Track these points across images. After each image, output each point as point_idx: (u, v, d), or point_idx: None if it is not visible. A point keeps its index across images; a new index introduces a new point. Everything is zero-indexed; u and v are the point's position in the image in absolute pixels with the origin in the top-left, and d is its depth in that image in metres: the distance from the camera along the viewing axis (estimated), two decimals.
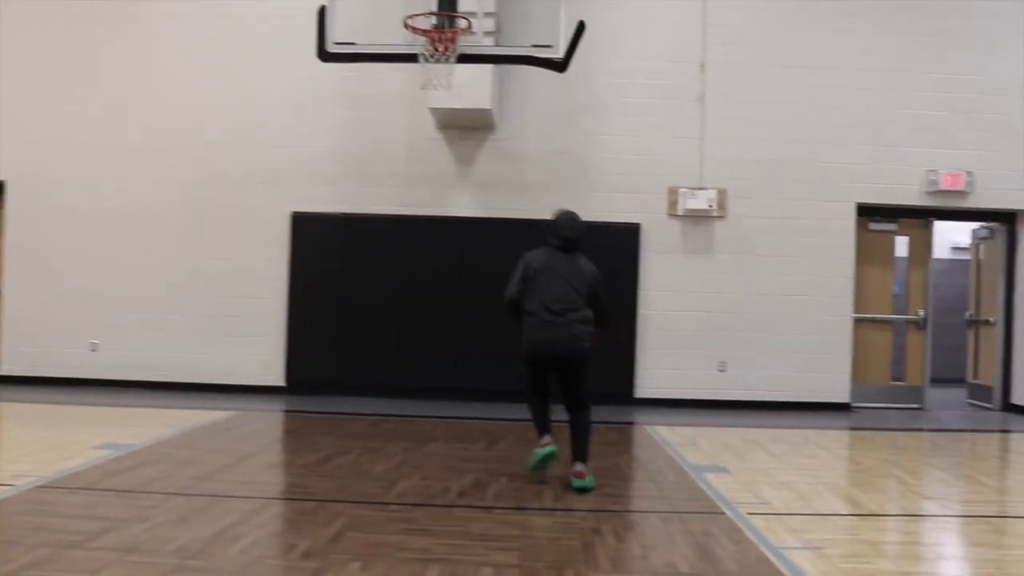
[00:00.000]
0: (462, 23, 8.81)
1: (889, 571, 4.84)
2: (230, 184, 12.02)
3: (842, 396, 11.98)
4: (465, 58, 8.93)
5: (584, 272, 6.97)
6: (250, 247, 12.01)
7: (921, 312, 12.53)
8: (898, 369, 12.66)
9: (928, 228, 12.57)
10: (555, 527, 5.54)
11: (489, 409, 10.59)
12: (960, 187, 11.99)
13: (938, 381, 12.93)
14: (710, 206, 11.89)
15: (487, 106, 11.08)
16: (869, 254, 12.35)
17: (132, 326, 11.99)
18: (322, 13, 8.92)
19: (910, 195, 12.12)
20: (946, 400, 13.15)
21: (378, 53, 9.22)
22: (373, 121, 12.04)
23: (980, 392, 13.05)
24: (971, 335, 13.50)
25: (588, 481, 6.57)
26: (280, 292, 11.98)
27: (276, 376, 11.95)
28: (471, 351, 11.62)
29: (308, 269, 11.94)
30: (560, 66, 8.97)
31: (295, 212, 11.98)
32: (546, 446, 6.96)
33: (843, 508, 6.32)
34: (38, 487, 6.10)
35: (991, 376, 12.76)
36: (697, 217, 11.99)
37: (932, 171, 11.98)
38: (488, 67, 10.78)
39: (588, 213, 11.52)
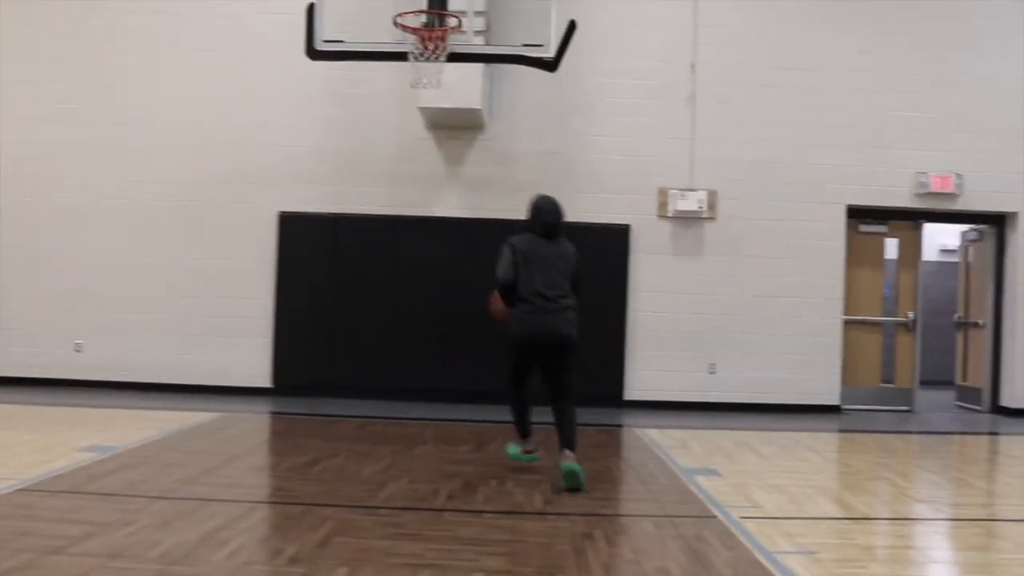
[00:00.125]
0: (452, 21, 8.74)
1: (883, 575, 4.81)
2: (217, 183, 11.92)
3: (832, 398, 11.95)
4: (455, 57, 8.86)
5: (569, 257, 7.06)
6: (237, 247, 11.91)
7: (911, 314, 12.52)
8: (887, 371, 12.64)
9: (918, 230, 12.56)
10: (546, 531, 5.46)
11: (477, 411, 10.54)
12: (950, 189, 11.98)
13: (926, 383, 12.92)
14: (700, 207, 11.85)
15: (477, 106, 11.02)
16: (859, 256, 12.33)
17: (116, 326, 11.88)
18: (311, 11, 8.84)
19: (900, 197, 12.11)
20: (935, 402, 13.14)
21: (367, 51, 9.15)
22: (362, 120, 11.96)
23: (969, 394, 13.03)
24: (960, 337, 13.48)
25: (579, 467, 6.58)
26: (267, 292, 11.89)
27: (263, 377, 11.85)
28: (460, 352, 11.54)
29: (296, 269, 11.85)
30: (551, 65, 8.91)
31: (283, 212, 11.89)
32: (530, 453, 7.37)
33: (836, 512, 6.27)
34: (20, 490, 6.00)
35: (980, 378, 12.74)
36: (687, 218, 11.94)
37: (922, 173, 11.97)
38: (478, 66, 10.73)
39: (578, 214, 11.56)
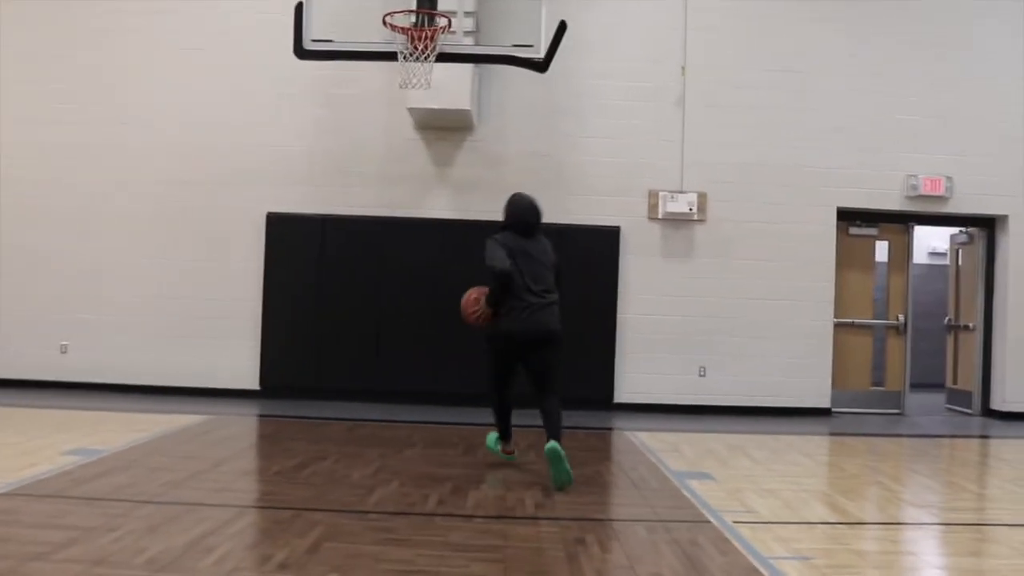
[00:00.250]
0: (442, 21, 8.68)
1: None
2: (204, 184, 11.83)
3: (823, 401, 11.92)
4: (445, 57, 8.81)
5: (549, 252, 7.20)
6: (224, 248, 11.82)
7: (901, 317, 12.49)
8: (878, 374, 12.62)
9: (908, 233, 12.54)
10: (538, 537, 5.39)
11: (467, 414, 10.46)
12: (940, 192, 11.97)
13: (916, 386, 12.89)
14: (690, 209, 11.80)
15: (466, 107, 10.96)
16: (849, 259, 12.30)
17: (102, 328, 11.77)
18: (299, 9, 8.77)
19: (891, 200, 12.09)
20: (925, 405, 13.11)
21: (356, 51, 9.08)
22: (350, 120, 11.88)
23: (959, 397, 13.02)
24: (950, 340, 13.47)
25: (565, 454, 6.62)
26: (255, 294, 11.79)
27: (250, 379, 11.76)
28: (448, 355, 11.44)
29: (283, 270, 11.76)
30: (541, 66, 8.86)
31: (270, 212, 11.80)
32: (509, 454, 7.60)
33: (830, 516, 6.21)
34: (3, 494, 5.90)
35: (970, 381, 12.73)
36: (677, 220, 11.90)
37: (912, 176, 11.95)
38: (467, 67, 10.67)
39: (567, 215, 11.63)
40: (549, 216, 11.34)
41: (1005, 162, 12.09)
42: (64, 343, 11.77)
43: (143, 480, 6.56)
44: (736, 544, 5.28)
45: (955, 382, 13.27)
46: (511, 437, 7.62)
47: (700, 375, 11.85)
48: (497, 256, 6.88)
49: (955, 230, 13.32)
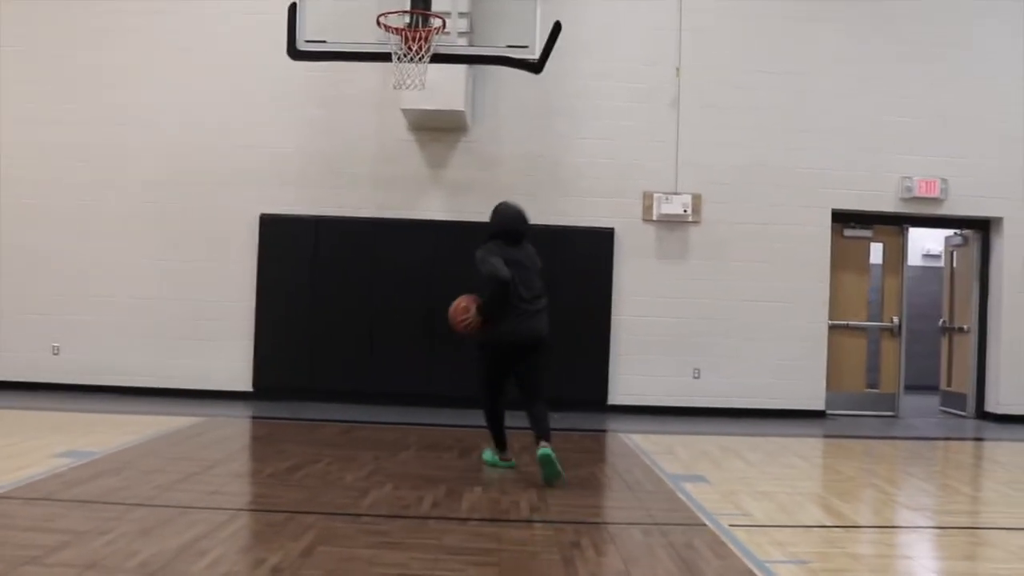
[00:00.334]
0: (436, 22, 8.63)
1: None
2: (197, 184, 11.79)
3: (817, 403, 11.92)
4: (439, 58, 8.76)
5: (536, 259, 7.33)
6: (217, 249, 11.78)
7: (895, 319, 12.49)
8: (872, 376, 12.62)
9: (903, 235, 12.54)
10: (533, 540, 5.35)
11: (461, 416, 10.40)
12: (935, 194, 11.98)
13: (910, 388, 12.90)
14: (685, 211, 11.79)
15: (460, 107, 10.93)
16: (844, 261, 12.30)
17: (94, 328, 11.72)
18: (292, 10, 8.71)
19: (885, 202, 12.09)
20: (919, 408, 13.11)
21: (350, 52, 9.02)
22: (344, 121, 11.84)
23: (953, 400, 13.02)
24: (944, 342, 13.47)
25: (556, 456, 6.81)
26: (248, 295, 11.75)
27: (243, 381, 11.72)
28: (442, 356, 11.40)
29: (276, 272, 11.72)
30: (536, 67, 8.81)
31: (264, 213, 11.76)
32: (508, 460, 7.58)
33: (826, 519, 6.18)
34: None
35: (965, 384, 12.73)
36: (672, 222, 11.88)
37: (907, 178, 11.95)
38: (461, 68, 10.64)
39: (562, 217, 11.62)
40: (543, 218, 11.49)
41: (1000, 164, 12.10)
42: (56, 344, 11.72)
43: (136, 482, 6.51)
44: (732, 548, 5.25)
45: (949, 384, 13.28)
46: (507, 444, 7.64)
47: (694, 377, 11.84)
48: (495, 265, 6.92)
49: (950, 232, 13.31)
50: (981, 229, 12.53)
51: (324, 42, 8.84)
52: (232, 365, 11.71)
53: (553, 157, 11.89)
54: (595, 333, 11.68)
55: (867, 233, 12.50)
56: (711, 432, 10.31)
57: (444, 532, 5.42)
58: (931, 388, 13.89)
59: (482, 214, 11.19)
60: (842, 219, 12.21)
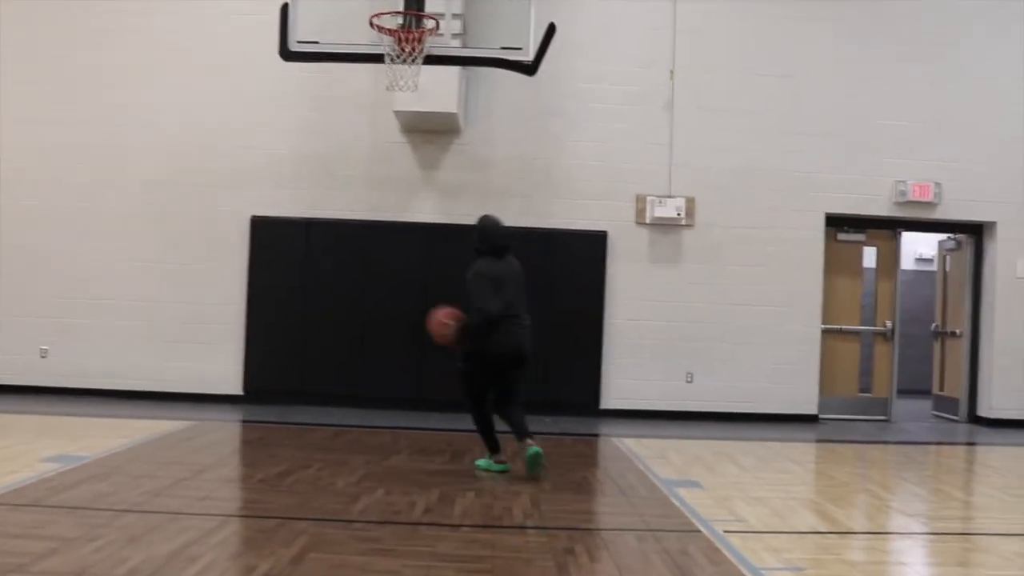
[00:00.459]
0: (429, 23, 8.59)
1: None
2: (188, 186, 11.72)
3: (810, 408, 11.88)
4: (432, 59, 8.71)
5: (521, 273, 7.57)
6: (208, 251, 11.71)
7: (888, 323, 12.47)
8: (865, 380, 12.59)
9: (896, 239, 12.53)
10: (527, 546, 5.30)
11: (452, 420, 10.32)
12: (929, 198, 11.96)
13: (902, 392, 12.87)
14: (678, 214, 11.75)
15: (453, 110, 10.88)
16: (837, 265, 12.27)
17: (83, 331, 11.64)
18: (285, 10, 8.66)
19: (879, 205, 12.07)
20: (912, 412, 13.08)
21: (342, 53, 8.97)
22: (336, 123, 11.79)
23: (946, 404, 13.00)
24: (937, 347, 13.45)
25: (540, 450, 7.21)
26: (239, 298, 11.69)
27: (234, 384, 11.65)
28: (434, 360, 11.29)
29: (268, 274, 11.66)
30: (530, 69, 8.77)
31: (255, 216, 11.69)
32: (503, 463, 7.60)
33: (821, 525, 6.16)
34: None
35: (957, 388, 12.71)
36: (665, 225, 11.85)
37: (901, 181, 11.93)
38: (454, 70, 10.59)
39: (554, 220, 11.61)
40: (536, 220, 11.51)
41: (994, 168, 12.08)
42: (44, 347, 11.64)
43: (125, 488, 6.45)
44: (727, 554, 5.21)
45: (942, 389, 13.26)
46: (500, 446, 7.67)
47: (687, 381, 11.80)
48: (485, 296, 7.18)
49: (943, 236, 13.30)
50: (974, 233, 12.52)
51: (316, 43, 8.79)
52: (223, 368, 11.64)
53: (546, 160, 11.85)
54: (588, 337, 11.64)
55: (860, 237, 12.48)
56: (704, 436, 10.28)
57: (437, 539, 5.38)
58: (923, 392, 13.87)
59: (474, 217, 11.14)
60: (836, 223, 12.19)
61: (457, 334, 7.28)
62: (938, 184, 11.98)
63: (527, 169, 11.79)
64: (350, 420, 10.41)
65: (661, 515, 6.31)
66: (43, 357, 11.62)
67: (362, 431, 9.74)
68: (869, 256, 12.67)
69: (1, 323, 11.64)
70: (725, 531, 5.75)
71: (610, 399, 11.76)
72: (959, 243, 12.87)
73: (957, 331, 12.78)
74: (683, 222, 11.80)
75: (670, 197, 11.78)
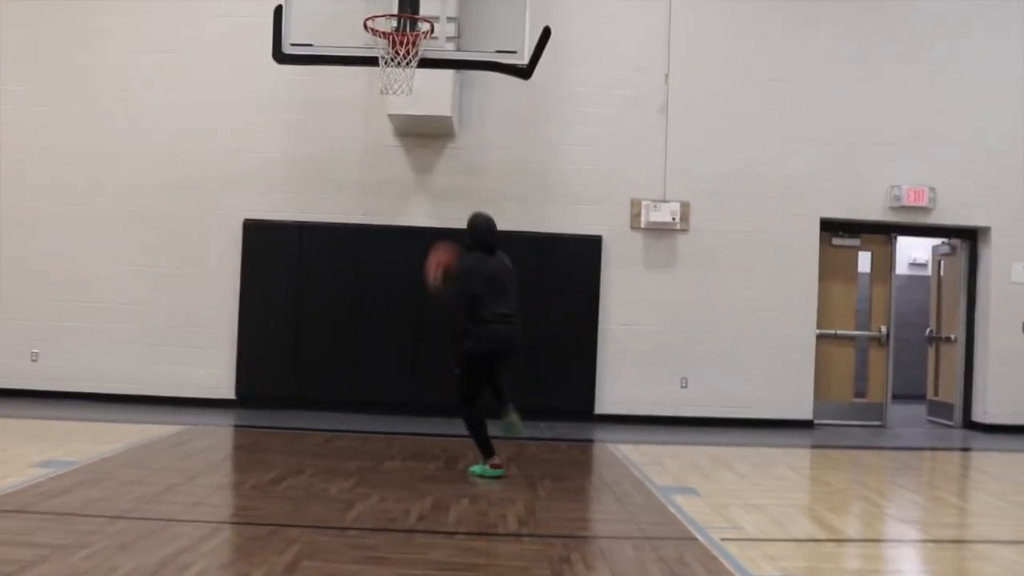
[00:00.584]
0: (424, 26, 8.55)
1: None
2: (180, 189, 11.64)
3: (805, 413, 11.84)
4: (427, 63, 8.68)
5: (512, 270, 7.76)
6: (200, 255, 11.64)
7: (883, 328, 12.44)
8: (860, 385, 12.56)
9: (891, 244, 12.50)
10: (522, 555, 5.24)
11: (446, 425, 10.28)
12: (923, 203, 11.93)
13: (897, 397, 12.84)
14: (673, 219, 11.71)
15: (447, 113, 10.83)
16: (832, 269, 12.24)
17: (74, 335, 11.55)
18: (278, 13, 8.62)
19: (874, 210, 12.05)
20: (907, 417, 13.05)
21: (336, 55, 8.93)
22: (329, 126, 11.73)
23: (940, 409, 12.97)
24: (931, 352, 13.42)
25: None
26: (231, 302, 11.61)
27: (226, 389, 11.57)
28: (427, 365, 11.27)
29: (260, 278, 11.59)
30: (525, 73, 8.75)
31: (247, 219, 11.63)
32: (497, 467, 7.60)
33: (818, 533, 6.11)
34: None
35: (951, 393, 12.68)
36: (660, 230, 11.81)
37: (896, 186, 11.91)
38: (448, 73, 10.55)
39: (549, 224, 11.56)
40: (530, 224, 11.46)
41: (989, 174, 12.06)
42: (35, 350, 11.56)
43: (116, 494, 6.39)
44: (724, 562, 5.17)
45: (936, 394, 13.23)
46: (494, 450, 7.65)
47: (682, 386, 11.76)
48: (471, 280, 7.49)
49: (938, 241, 13.28)
50: (969, 238, 12.51)
51: (310, 46, 8.75)
52: (215, 372, 11.57)
53: (540, 164, 11.81)
54: (582, 341, 11.59)
55: (855, 242, 12.45)
56: (700, 442, 10.22)
57: (431, 546, 5.33)
58: (918, 397, 13.84)
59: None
60: (830, 228, 12.16)
61: (444, 277, 7.49)
62: (933, 189, 11.96)
63: (522, 173, 11.74)
64: (343, 425, 10.33)
65: (658, 523, 6.27)
66: (34, 361, 11.54)
67: (355, 436, 9.68)
68: (864, 261, 12.65)
69: None
70: (722, 539, 5.70)
71: (605, 404, 11.70)
72: (954, 248, 12.85)
73: (952, 336, 12.75)
74: (678, 226, 11.76)
75: (665, 201, 11.74)
